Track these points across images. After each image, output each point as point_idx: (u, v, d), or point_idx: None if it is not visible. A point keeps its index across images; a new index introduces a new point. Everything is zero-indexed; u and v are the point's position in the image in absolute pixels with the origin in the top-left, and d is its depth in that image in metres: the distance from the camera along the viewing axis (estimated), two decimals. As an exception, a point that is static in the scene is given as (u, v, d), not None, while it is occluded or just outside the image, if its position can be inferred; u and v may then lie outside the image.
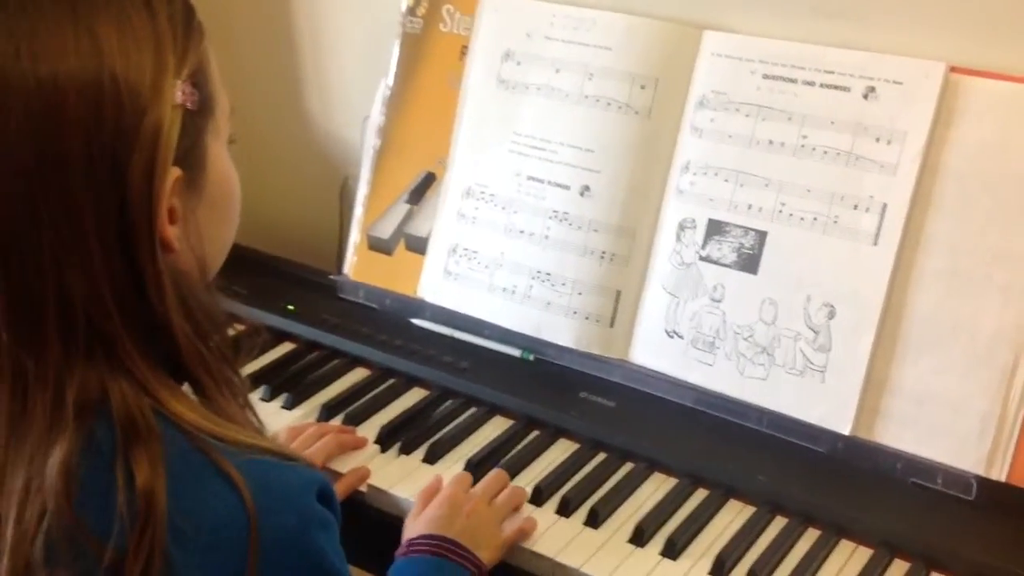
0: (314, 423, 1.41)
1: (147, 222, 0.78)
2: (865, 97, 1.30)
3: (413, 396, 1.49)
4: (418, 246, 1.58)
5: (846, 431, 1.29)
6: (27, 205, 0.75)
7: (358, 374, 1.54)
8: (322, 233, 1.87)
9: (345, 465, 1.34)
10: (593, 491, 1.30)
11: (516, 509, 1.26)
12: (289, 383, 1.50)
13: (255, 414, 0.90)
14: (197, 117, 0.83)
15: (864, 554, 1.21)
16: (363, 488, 1.32)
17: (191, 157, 0.83)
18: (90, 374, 0.78)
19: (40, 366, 0.77)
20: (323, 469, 1.30)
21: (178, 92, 0.80)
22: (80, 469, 0.77)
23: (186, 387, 0.85)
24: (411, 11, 1.60)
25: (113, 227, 0.77)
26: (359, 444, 1.37)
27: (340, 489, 1.29)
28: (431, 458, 1.35)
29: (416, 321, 1.58)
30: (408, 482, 1.32)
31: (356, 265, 1.63)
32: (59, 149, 0.75)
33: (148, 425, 0.78)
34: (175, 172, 0.80)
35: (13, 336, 0.77)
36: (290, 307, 1.62)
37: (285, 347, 1.59)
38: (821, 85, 1.33)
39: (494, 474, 1.29)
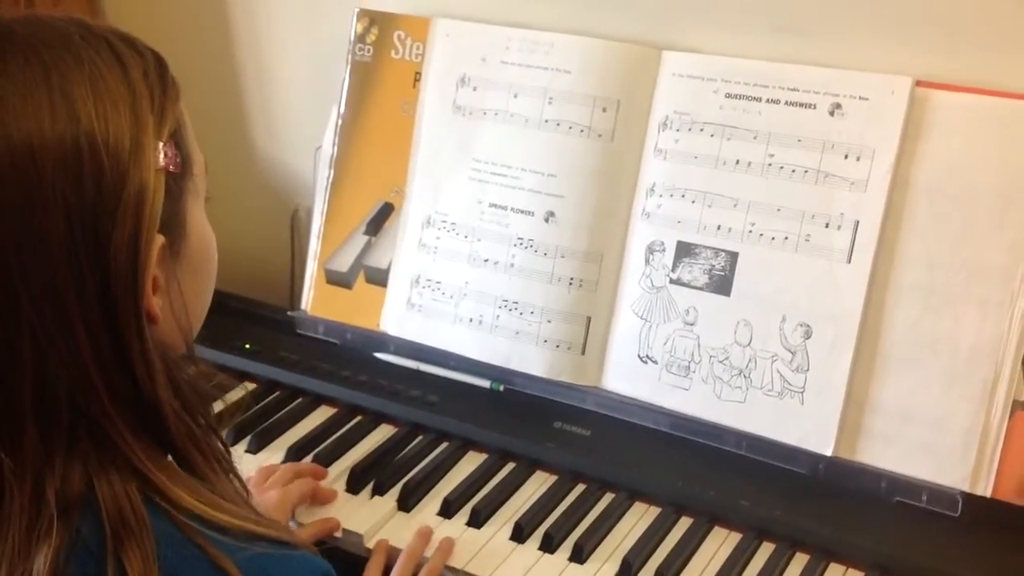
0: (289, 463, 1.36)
1: (132, 296, 0.73)
2: (831, 114, 1.29)
3: (381, 433, 1.45)
4: (379, 278, 1.54)
5: (828, 452, 1.28)
6: (3, 288, 0.70)
7: (323, 413, 1.49)
8: (272, 266, 1.82)
9: (317, 511, 1.30)
10: (575, 524, 1.28)
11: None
12: (251, 425, 1.45)
13: (241, 482, 0.85)
14: (179, 179, 0.79)
15: (855, 577, 1.20)
16: (337, 533, 1.28)
17: (173, 222, 0.79)
18: (73, 466, 0.73)
19: (16, 460, 0.72)
20: (294, 514, 1.27)
21: (160, 155, 0.75)
22: (67, 572, 0.72)
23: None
24: (360, 38, 1.56)
25: (96, 303, 0.72)
26: (329, 498, 1.32)
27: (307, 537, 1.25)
28: (405, 498, 1.31)
29: (380, 355, 1.54)
30: (388, 526, 1.28)
31: (314, 300, 1.59)
32: (37, 223, 0.70)
33: (139, 518, 0.73)
34: (159, 240, 0.76)
35: None
36: (247, 346, 1.58)
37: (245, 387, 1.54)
38: (786, 103, 1.31)
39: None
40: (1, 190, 0.69)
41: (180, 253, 0.80)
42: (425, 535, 1.24)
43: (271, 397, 1.52)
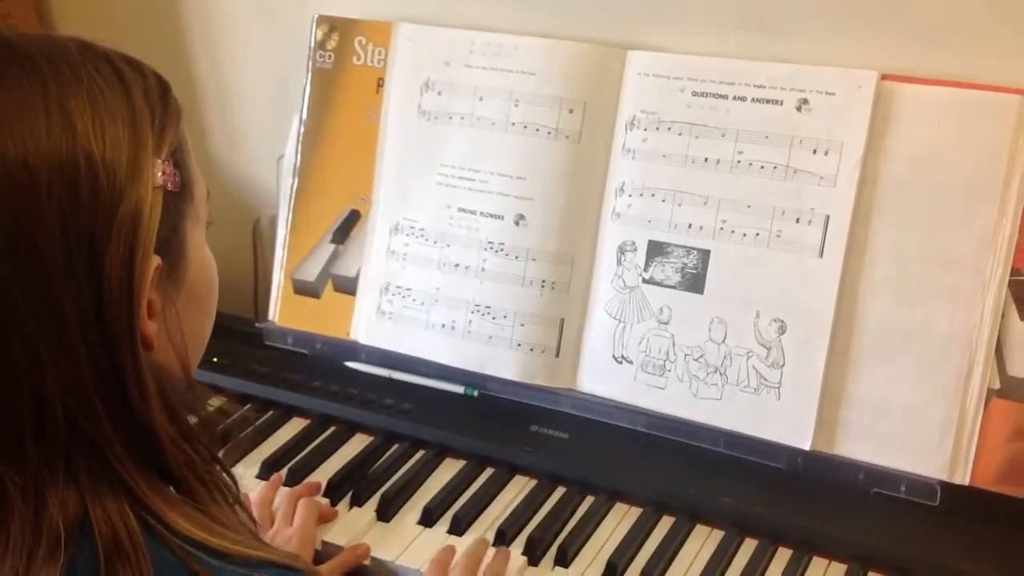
0: (281, 489, 1.33)
1: (127, 316, 0.71)
2: (798, 110, 1.29)
3: (357, 443, 1.44)
4: (347, 286, 1.53)
5: (806, 446, 1.28)
6: (0, 298, 0.68)
7: (295, 425, 1.48)
8: (234, 277, 1.80)
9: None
10: (559, 529, 1.27)
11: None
12: (222, 440, 1.42)
13: (249, 514, 0.84)
14: (178, 200, 0.77)
15: (838, 570, 1.20)
16: (317, 546, 1.27)
17: (170, 245, 0.77)
18: (69, 491, 0.71)
19: (20, 476, 0.70)
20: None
21: (158, 172, 0.74)
22: None
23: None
24: (321, 45, 1.54)
25: (94, 319, 0.70)
26: (330, 517, 1.30)
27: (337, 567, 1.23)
28: (384, 508, 1.30)
29: (351, 364, 1.52)
30: (367, 537, 1.27)
31: (282, 310, 1.57)
32: (33, 234, 0.68)
33: (135, 544, 0.71)
34: (155, 261, 0.74)
35: None
36: (215, 359, 1.55)
37: (214, 402, 1.51)
38: (753, 100, 1.32)
39: (475, 543, 1.23)
40: None
41: (178, 278, 0.79)
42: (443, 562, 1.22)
43: (242, 410, 1.50)
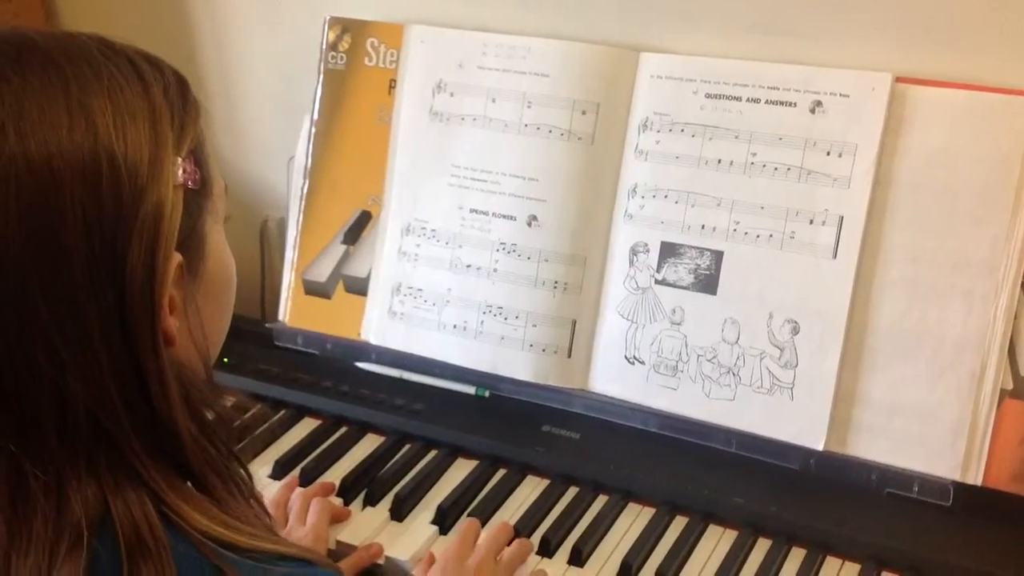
0: (295, 489, 1.33)
1: (148, 314, 0.71)
2: (812, 112, 1.30)
3: (368, 444, 1.44)
4: (358, 287, 1.53)
5: (819, 447, 1.29)
6: (22, 302, 0.68)
7: (307, 425, 1.48)
8: (242, 278, 1.79)
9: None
10: (571, 528, 1.27)
11: (523, 561, 1.21)
12: (239, 436, 1.42)
13: (264, 508, 0.84)
14: (198, 197, 0.77)
15: (852, 570, 1.21)
16: (331, 545, 1.27)
17: (191, 242, 0.77)
18: (91, 486, 0.71)
19: (44, 474, 0.70)
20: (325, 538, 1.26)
21: (179, 171, 0.74)
22: None
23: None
24: (333, 47, 1.54)
25: (114, 321, 0.70)
26: (343, 516, 1.30)
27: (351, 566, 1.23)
28: (398, 508, 1.30)
29: (362, 365, 1.52)
30: (380, 537, 1.27)
31: (292, 310, 1.57)
32: (56, 235, 0.68)
33: (156, 539, 0.71)
34: (176, 258, 0.74)
35: (12, 439, 0.70)
36: (225, 359, 1.55)
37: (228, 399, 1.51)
38: (766, 102, 1.32)
39: (499, 527, 1.24)
40: (19, 200, 0.67)
41: (198, 274, 0.79)
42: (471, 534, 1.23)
43: (252, 411, 1.49)
